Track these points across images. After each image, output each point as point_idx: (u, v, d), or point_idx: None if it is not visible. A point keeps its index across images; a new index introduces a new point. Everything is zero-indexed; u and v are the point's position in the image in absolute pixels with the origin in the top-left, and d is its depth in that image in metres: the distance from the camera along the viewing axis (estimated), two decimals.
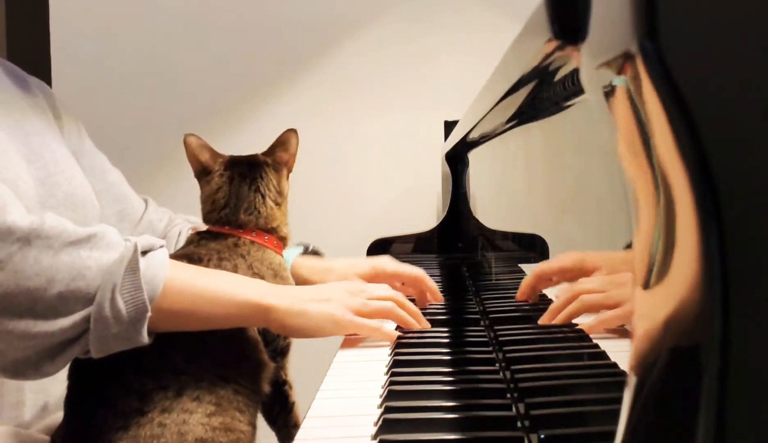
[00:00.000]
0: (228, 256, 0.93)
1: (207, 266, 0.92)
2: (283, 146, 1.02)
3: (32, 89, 1.05)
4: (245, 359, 0.90)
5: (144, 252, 0.80)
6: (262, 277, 0.95)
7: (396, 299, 0.99)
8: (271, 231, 0.98)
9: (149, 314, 0.78)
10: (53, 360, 0.78)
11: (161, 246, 0.83)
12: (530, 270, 0.80)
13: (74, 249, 0.77)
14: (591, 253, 0.53)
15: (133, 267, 0.78)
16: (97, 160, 1.14)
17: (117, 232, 0.82)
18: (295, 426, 0.97)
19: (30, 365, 0.78)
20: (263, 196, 0.99)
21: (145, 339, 0.78)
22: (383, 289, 1.01)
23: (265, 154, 1.02)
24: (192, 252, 0.93)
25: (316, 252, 1.21)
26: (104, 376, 0.82)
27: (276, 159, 1.02)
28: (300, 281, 1.10)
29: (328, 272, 1.12)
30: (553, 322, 0.64)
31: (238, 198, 0.97)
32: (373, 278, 1.14)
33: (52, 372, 0.80)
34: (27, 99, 1.02)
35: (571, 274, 0.62)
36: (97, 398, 0.82)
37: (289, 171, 1.05)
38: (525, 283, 0.80)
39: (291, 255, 1.12)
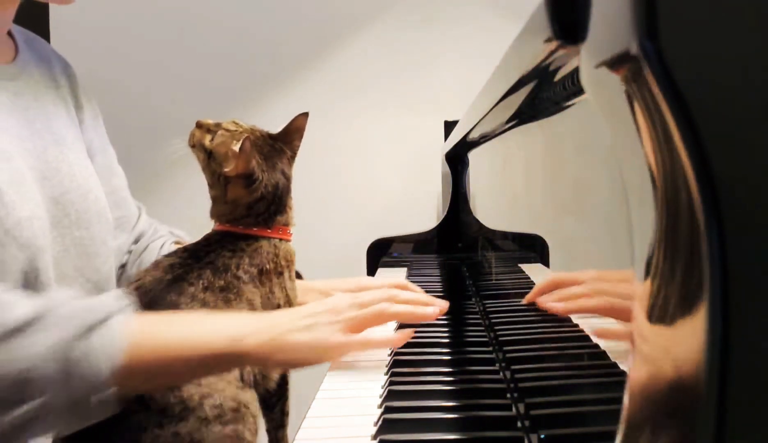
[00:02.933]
0: (258, 262, 0.91)
1: (236, 273, 0.89)
2: (299, 133, 0.98)
3: (56, 75, 1.02)
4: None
5: (101, 323, 0.73)
6: (281, 272, 0.93)
7: (387, 297, 0.91)
8: (287, 223, 0.97)
9: (113, 389, 0.72)
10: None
11: (120, 311, 0.75)
12: (536, 275, 0.79)
13: (22, 337, 0.70)
14: (611, 271, 0.53)
15: (83, 351, 0.71)
16: (107, 159, 1.13)
17: (68, 300, 0.75)
18: (287, 414, 0.96)
19: None
20: (290, 193, 0.97)
21: (115, 409, 0.73)
22: (370, 294, 0.91)
23: (282, 140, 0.97)
24: (216, 258, 0.90)
25: (297, 274, 1.20)
26: None
27: (293, 148, 0.98)
28: None
29: (308, 292, 1.10)
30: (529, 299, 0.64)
31: (279, 204, 0.95)
32: None
33: None
34: (50, 91, 1.00)
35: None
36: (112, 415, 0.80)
37: None
38: (537, 289, 0.79)
39: None
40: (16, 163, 0.86)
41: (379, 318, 0.88)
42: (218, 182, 0.93)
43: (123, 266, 1.14)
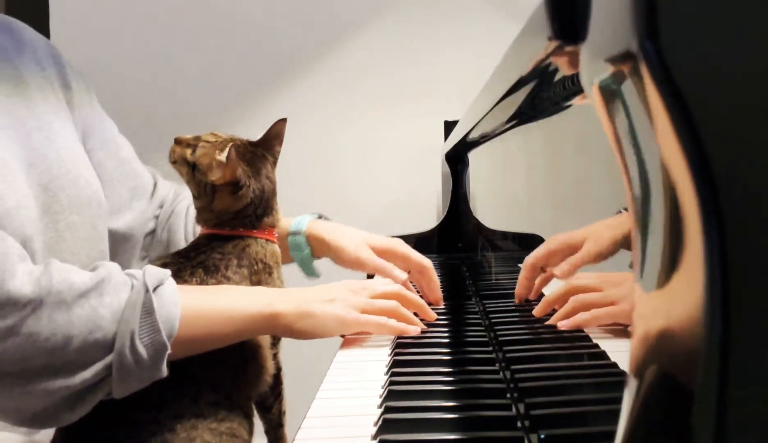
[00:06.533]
0: (247, 263, 0.92)
1: (226, 274, 0.91)
2: (278, 138, 1.00)
3: (40, 58, 1.00)
4: (254, 362, 0.91)
5: (154, 289, 0.79)
6: (271, 271, 0.95)
7: (400, 295, 1.00)
8: (274, 225, 0.98)
9: (169, 351, 0.78)
10: (73, 409, 0.77)
11: (169, 278, 0.82)
12: (521, 266, 0.80)
13: (86, 301, 0.75)
14: (575, 231, 0.53)
15: (148, 310, 0.77)
16: (108, 133, 1.12)
17: (120, 269, 0.81)
18: (284, 413, 0.98)
19: (48, 416, 0.77)
20: (276, 196, 0.98)
21: (165, 373, 0.79)
22: (387, 285, 1.01)
23: (263, 146, 0.98)
24: (206, 260, 0.91)
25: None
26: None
27: (274, 153, 1.00)
28: (316, 242, 1.12)
29: (343, 234, 1.12)
30: (549, 322, 0.65)
31: (265, 207, 0.96)
32: (383, 254, 1.13)
33: (73, 419, 0.79)
34: (33, 76, 0.98)
35: (560, 255, 0.63)
36: (109, 410, 0.81)
37: None
38: (520, 280, 0.80)
39: (305, 220, 1.13)
40: None
41: (389, 314, 0.97)
42: (204, 192, 0.94)
43: (151, 233, 1.15)
